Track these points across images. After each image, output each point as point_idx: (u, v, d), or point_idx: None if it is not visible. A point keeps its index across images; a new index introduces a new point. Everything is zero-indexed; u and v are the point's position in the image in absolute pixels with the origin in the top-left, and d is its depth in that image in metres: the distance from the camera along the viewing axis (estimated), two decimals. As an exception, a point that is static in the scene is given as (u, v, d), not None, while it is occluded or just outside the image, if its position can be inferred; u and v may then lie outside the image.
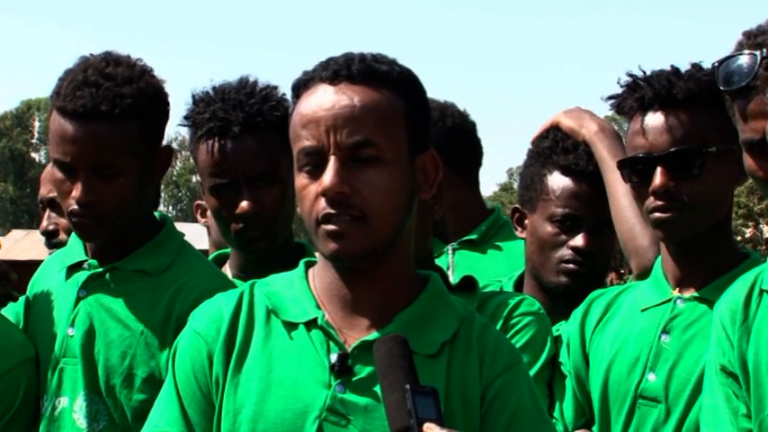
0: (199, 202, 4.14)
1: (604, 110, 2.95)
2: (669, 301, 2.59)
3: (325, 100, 2.00)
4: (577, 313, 2.73)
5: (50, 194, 3.56)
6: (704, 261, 2.59)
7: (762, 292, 2.24)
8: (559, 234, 2.91)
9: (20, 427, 2.68)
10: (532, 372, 2.53)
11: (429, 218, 2.56)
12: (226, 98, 2.85)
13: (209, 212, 4.04)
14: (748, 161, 2.18)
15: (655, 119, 2.57)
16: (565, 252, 2.90)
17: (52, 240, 3.61)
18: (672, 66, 2.63)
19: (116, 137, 2.58)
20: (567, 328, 2.75)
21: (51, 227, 3.62)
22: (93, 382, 2.64)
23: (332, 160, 1.96)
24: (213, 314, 2.09)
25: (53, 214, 3.63)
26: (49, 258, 2.92)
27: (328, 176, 1.96)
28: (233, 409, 2.02)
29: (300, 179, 2.01)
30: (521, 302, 2.61)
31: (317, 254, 2.47)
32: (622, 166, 2.63)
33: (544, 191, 2.94)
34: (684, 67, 2.63)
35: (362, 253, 1.98)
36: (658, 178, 2.52)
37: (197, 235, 4.29)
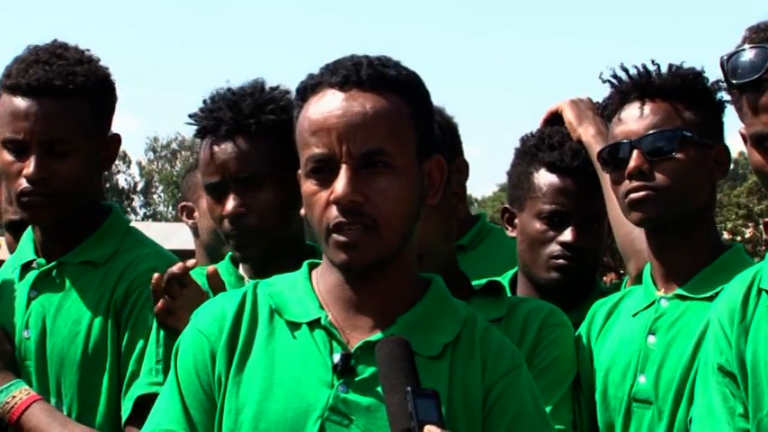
0: (184, 203, 4.10)
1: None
2: (654, 302, 2.61)
3: (335, 107, 1.98)
4: (583, 327, 2.74)
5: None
6: (684, 256, 2.59)
7: (760, 291, 2.25)
8: (548, 230, 2.92)
9: None
10: (563, 389, 2.53)
11: (453, 218, 2.54)
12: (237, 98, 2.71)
13: (195, 213, 4.00)
14: (755, 156, 2.17)
15: (632, 107, 2.61)
16: (554, 248, 2.91)
17: None
18: (652, 60, 2.65)
19: (69, 113, 2.60)
20: None
21: None
22: (45, 383, 2.66)
23: (343, 168, 1.95)
24: (216, 313, 2.08)
25: None
26: (9, 258, 2.92)
27: (341, 185, 1.94)
28: (235, 408, 2.02)
29: (309, 185, 1.99)
30: (551, 313, 2.57)
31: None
32: (601, 155, 2.66)
33: (531, 189, 2.96)
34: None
35: (372, 263, 1.98)
36: (633, 161, 2.54)
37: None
